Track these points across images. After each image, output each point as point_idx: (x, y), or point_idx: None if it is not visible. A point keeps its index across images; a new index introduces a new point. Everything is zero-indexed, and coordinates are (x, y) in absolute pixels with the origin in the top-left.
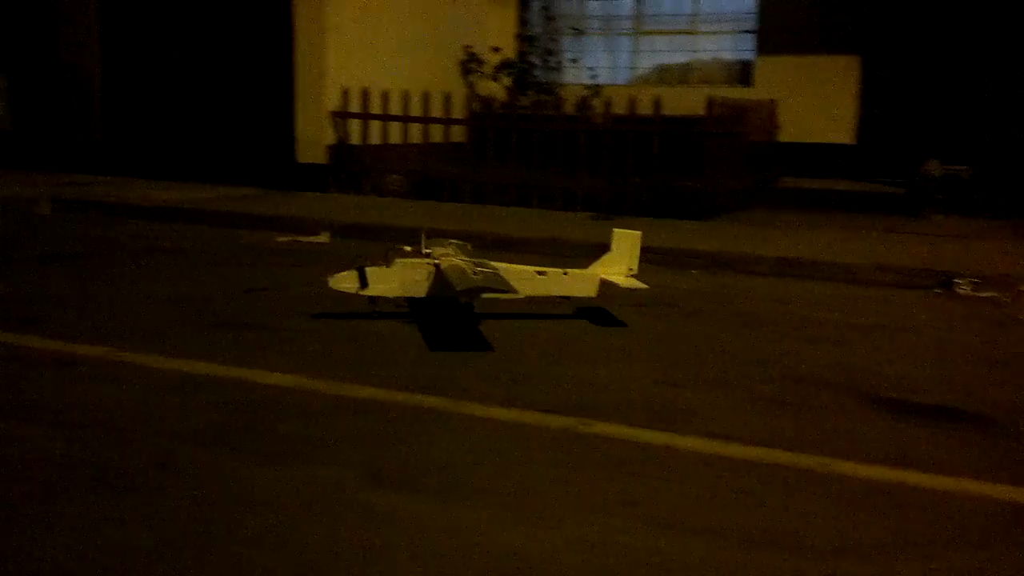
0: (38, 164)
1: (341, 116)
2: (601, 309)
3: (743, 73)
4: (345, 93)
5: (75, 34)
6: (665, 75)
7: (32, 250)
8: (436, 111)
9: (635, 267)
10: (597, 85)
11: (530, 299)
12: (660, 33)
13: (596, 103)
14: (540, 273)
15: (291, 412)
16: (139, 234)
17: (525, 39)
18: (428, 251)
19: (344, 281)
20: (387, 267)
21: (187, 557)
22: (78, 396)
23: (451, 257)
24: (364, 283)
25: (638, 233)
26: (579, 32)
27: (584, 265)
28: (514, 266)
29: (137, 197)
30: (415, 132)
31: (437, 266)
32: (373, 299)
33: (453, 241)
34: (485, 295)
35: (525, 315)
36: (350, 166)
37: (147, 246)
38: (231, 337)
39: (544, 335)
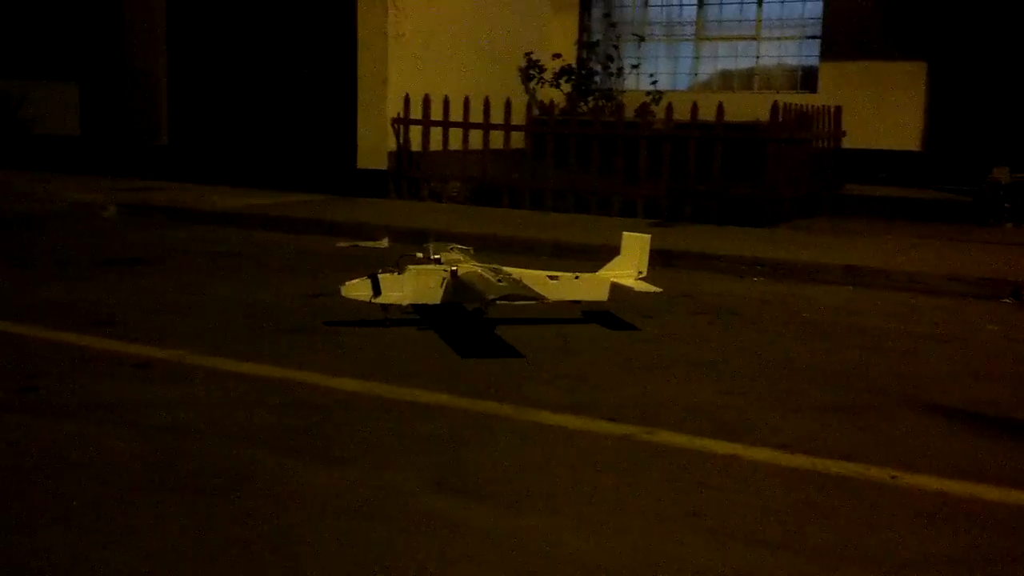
0: (105, 169)
1: (402, 123)
2: (609, 313)
3: (807, 79)
4: (406, 100)
5: (142, 42)
6: (727, 81)
7: (100, 254)
8: (496, 118)
9: (644, 270)
10: (658, 91)
11: (541, 304)
12: (722, 39)
13: (656, 109)
14: (552, 278)
15: (357, 416)
16: (204, 239)
17: (586, 46)
18: (437, 256)
19: (357, 289)
20: (400, 274)
21: (258, 560)
22: (151, 398)
23: (466, 263)
24: (377, 291)
25: (647, 236)
26: (640, 38)
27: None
28: (527, 271)
29: (202, 202)
30: (475, 138)
31: (452, 272)
32: (385, 306)
33: (456, 246)
34: (501, 302)
35: (533, 320)
36: (410, 172)
37: (212, 251)
38: (296, 341)
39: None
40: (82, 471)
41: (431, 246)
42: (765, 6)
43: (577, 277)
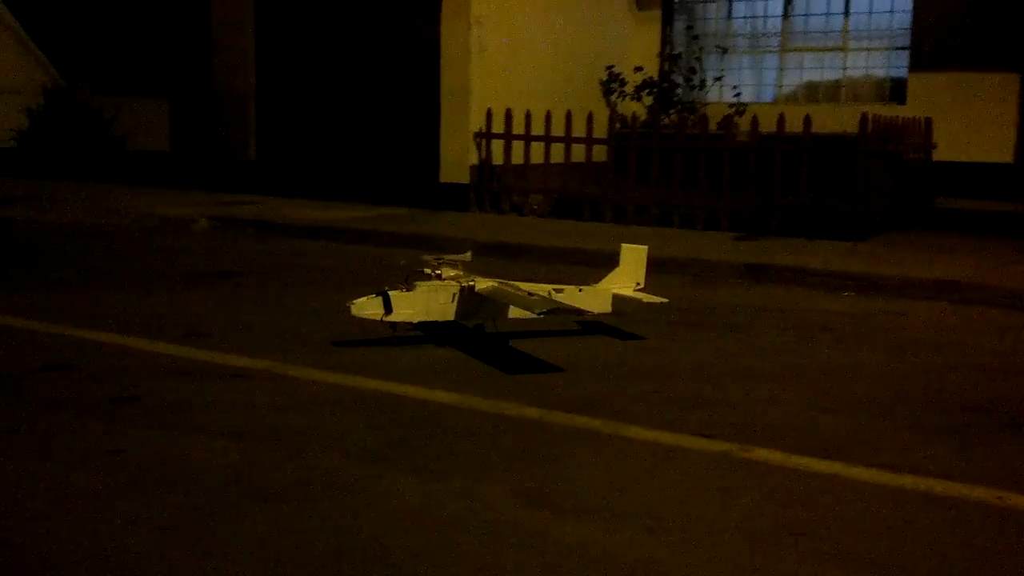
0: (194, 184)
1: (484, 137)
2: (605, 324)
3: (895, 90)
4: (489, 114)
5: (230, 60)
6: (813, 93)
7: (192, 266)
8: (578, 131)
9: (642, 281)
10: (741, 103)
11: (543, 316)
12: (808, 50)
13: (740, 121)
14: (557, 290)
15: (448, 429)
16: (291, 251)
17: (668, 58)
18: (438, 272)
19: (367, 307)
20: (410, 292)
21: (360, 570)
22: (247, 408)
23: (484, 280)
24: (388, 309)
25: (645, 248)
26: (724, 50)
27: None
28: (534, 285)
29: (289, 216)
30: (556, 152)
31: (469, 288)
32: (394, 324)
33: (447, 257)
34: (512, 315)
35: (535, 333)
36: (492, 186)
37: (299, 263)
38: (386, 353)
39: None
40: (182, 479)
41: (432, 259)
42: (852, 17)
43: (581, 290)
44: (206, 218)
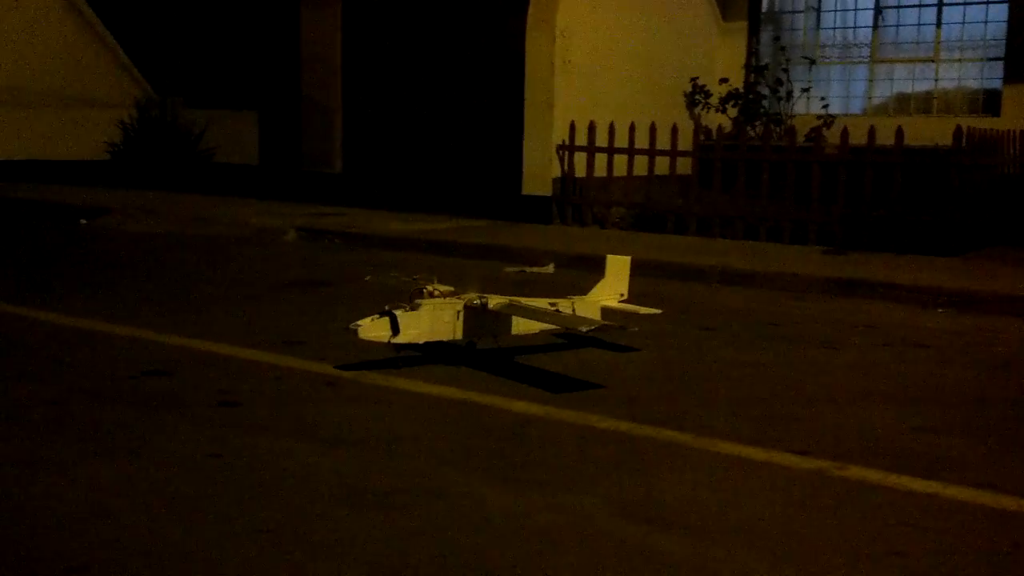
0: (282, 195)
1: (567, 149)
2: (592, 337)
3: (989, 102)
4: (572, 126)
5: (318, 73)
6: (903, 104)
7: (284, 276)
8: (662, 143)
9: (626, 292)
10: (829, 115)
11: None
12: (899, 61)
13: (828, 133)
14: (552, 305)
15: (534, 439)
16: (377, 262)
17: (754, 69)
18: (429, 289)
19: (374, 329)
20: (414, 311)
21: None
22: (342, 415)
23: (495, 296)
24: (396, 330)
25: (628, 258)
26: (811, 61)
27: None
28: (534, 300)
29: (374, 228)
30: (640, 165)
31: (472, 306)
32: (398, 346)
33: (530, 269)
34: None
35: (531, 348)
36: (574, 198)
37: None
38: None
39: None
40: (280, 483)
41: (410, 280)
42: (944, 27)
43: (573, 303)
44: (294, 229)
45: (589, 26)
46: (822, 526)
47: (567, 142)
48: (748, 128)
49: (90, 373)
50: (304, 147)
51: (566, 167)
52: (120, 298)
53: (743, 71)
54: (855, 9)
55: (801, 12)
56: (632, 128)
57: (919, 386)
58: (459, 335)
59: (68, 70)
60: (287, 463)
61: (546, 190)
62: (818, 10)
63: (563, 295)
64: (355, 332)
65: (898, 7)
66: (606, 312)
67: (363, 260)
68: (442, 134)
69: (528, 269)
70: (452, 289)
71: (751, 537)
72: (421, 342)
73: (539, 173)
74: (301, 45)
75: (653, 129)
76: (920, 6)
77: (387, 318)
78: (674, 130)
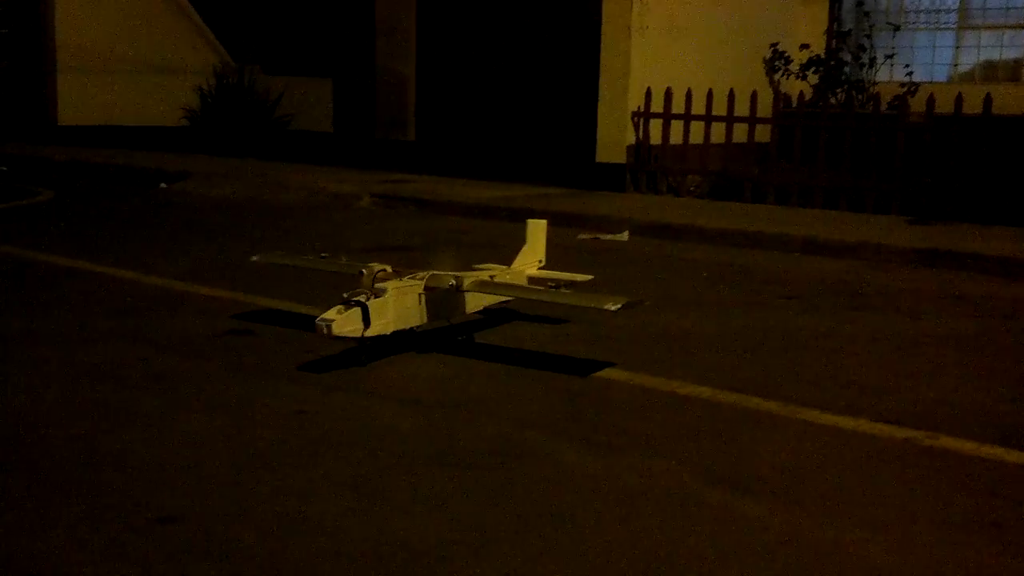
0: (354, 162)
1: (642, 116)
2: (511, 309)
3: None
4: (648, 93)
5: (392, 41)
6: (990, 72)
7: (361, 240)
8: (740, 111)
9: (544, 258)
10: (913, 83)
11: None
12: (987, 28)
13: (912, 101)
14: (492, 276)
15: (617, 403)
16: (452, 228)
17: (836, 35)
18: (363, 271)
19: (347, 324)
20: (379, 298)
21: (544, 536)
22: (421, 375)
23: (469, 274)
24: (367, 322)
25: (544, 222)
26: (895, 27)
27: None
28: (475, 274)
29: (447, 194)
30: (717, 132)
31: (437, 288)
32: (363, 339)
33: (605, 236)
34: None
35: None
36: (648, 166)
37: (460, 240)
38: (553, 330)
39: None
40: (364, 440)
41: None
42: None
43: (507, 272)
44: (369, 195)
45: None
46: (912, 495)
47: (642, 109)
48: (829, 95)
49: (174, 331)
50: (378, 114)
51: (641, 135)
52: (199, 260)
53: (824, 37)
54: None
55: None
56: (710, 95)
57: (1009, 357)
58: (424, 319)
59: (149, 38)
60: (369, 421)
61: (620, 158)
62: None
63: (574, 267)
64: (326, 329)
65: None
66: (534, 281)
67: (438, 227)
68: (516, 102)
69: (602, 236)
70: (389, 269)
71: (840, 505)
72: (389, 332)
73: (613, 140)
74: (376, 13)
75: (731, 96)
76: None
77: (358, 309)
78: (753, 97)
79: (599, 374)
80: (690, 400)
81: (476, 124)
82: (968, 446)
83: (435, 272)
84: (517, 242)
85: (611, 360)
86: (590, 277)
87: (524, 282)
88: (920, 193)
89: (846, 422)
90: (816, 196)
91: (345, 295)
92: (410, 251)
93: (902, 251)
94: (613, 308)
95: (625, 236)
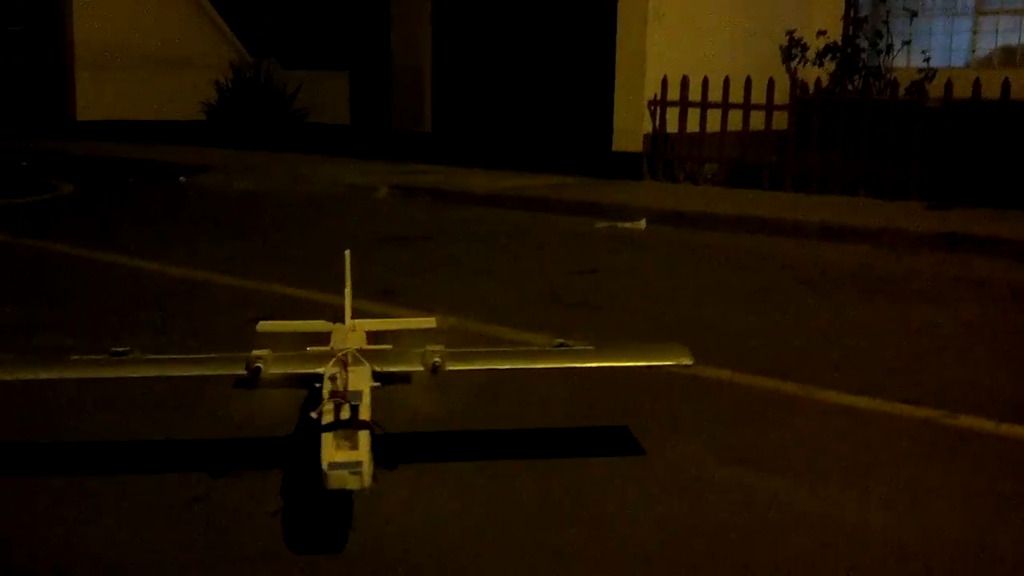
0: (371, 154)
1: (659, 104)
2: None
3: None
4: (664, 81)
5: (408, 35)
6: (1008, 57)
7: (379, 231)
8: (757, 98)
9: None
10: (931, 68)
11: None
12: (1005, 12)
13: (930, 87)
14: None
15: (641, 387)
16: (468, 218)
17: (853, 22)
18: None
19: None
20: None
21: (555, 515)
22: None
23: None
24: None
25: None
26: (913, 13)
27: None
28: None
29: (464, 185)
30: (734, 119)
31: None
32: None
33: (621, 225)
34: None
35: None
36: (665, 154)
37: (476, 230)
38: (569, 315)
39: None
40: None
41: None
42: None
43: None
44: (387, 186)
45: None
46: (933, 473)
47: (659, 97)
48: (847, 82)
49: (202, 320)
50: (394, 106)
51: (657, 123)
52: (220, 251)
53: (841, 24)
54: None
55: None
56: (726, 82)
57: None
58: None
59: (167, 33)
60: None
61: (637, 146)
62: None
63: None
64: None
65: None
66: (373, 336)
67: (456, 216)
68: (532, 92)
69: (619, 225)
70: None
71: (860, 483)
72: None
73: (630, 129)
74: (391, 5)
75: (748, 83)
76: None
77: (365, 432)
78: (770, 84)
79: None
80: (710, 383)
81: (492, 114)
82: (988, 425)
83: (368, 348)
84: (535, 234)
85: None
86: (433, 323)
87: (361, 338)
88: (938, 179)
89: (865, 403)
90: (834, 183)
91: (330, 394)
92: (425, 240)
93: (920, 236)
94: (689, 362)
95: (642, 224)
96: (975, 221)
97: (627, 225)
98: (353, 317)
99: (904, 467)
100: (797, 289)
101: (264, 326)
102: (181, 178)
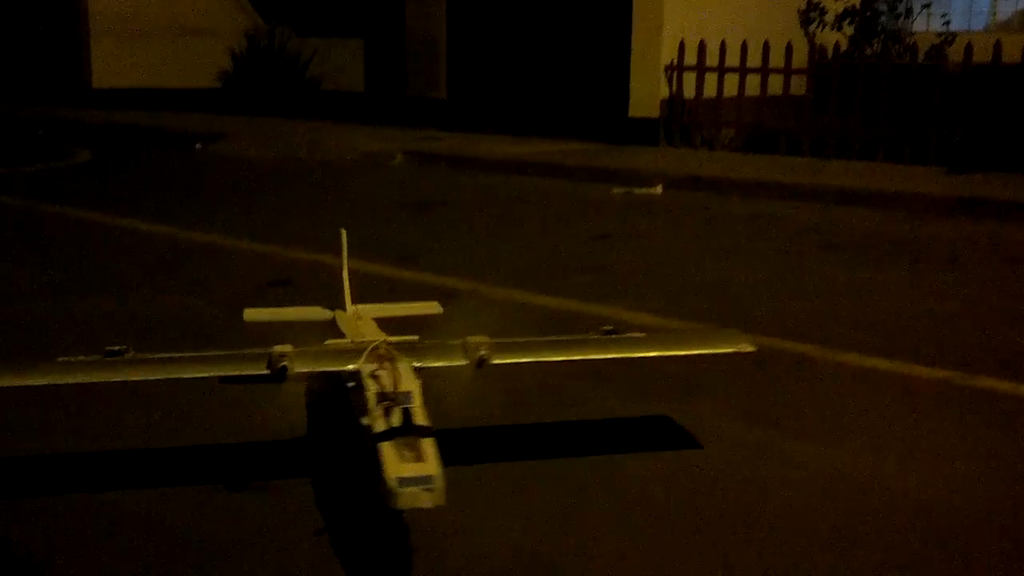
0: (386, 121)
1: (675, 70)
2: None
3: None
4: (681, 46)
5: (422, 1)
6: None
7: (395, 197)
8: (775, 62)
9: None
10: (951, 32)
11: None
12: None
13: (949, 52)
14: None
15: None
16: (485, 184)
17: None
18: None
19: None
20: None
21: (575, 472)
22: (459, 327)
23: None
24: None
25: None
26: None
27: None
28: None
29: (480, 151)
30: (752, 84)
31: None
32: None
33: (638, 191)
34: None
35: None
36: (682, 120)
37: (493, 195)
38: (587, 279)
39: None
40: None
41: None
42: None
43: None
44: (402, 153)
45: None
46: (948, 433)
47: (676, 62)
48: (865, 46)
49: (220, 284)
50: (409, 73)
51: (674, 88)
52: (243, 217)
53: None
54: None
55: None
56: (744, 47)
57: None
58: None
59: (181, 1)
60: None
61: (653, 112)
62: None
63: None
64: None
65: None
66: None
67: (472, 183)
68: (547, 57)
69: (636, 190)
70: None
71: (879, 442)
72: None
73: (647, 95)
74: None
75: (766, 48)
76: None
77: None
78: (788, 48)
79: (637, 320)
80: None
81: (507, 80)
82: (1005, 386)
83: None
84: (551, 200)
85: (648, 308)
86: (440, 311)
87: (374, 328)
88: (957, 143)
89: (882, 364)
90: (852, 148)
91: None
92: (441, 206)
93: (939, 200)
94: (751, 348)
95: (659, 190)
96: (994, 185)
97: (644, 191)
98: (362, 298)
99: (919, 427)
100: (815, 253)
101: (251, 314)
102: (197, 145)
